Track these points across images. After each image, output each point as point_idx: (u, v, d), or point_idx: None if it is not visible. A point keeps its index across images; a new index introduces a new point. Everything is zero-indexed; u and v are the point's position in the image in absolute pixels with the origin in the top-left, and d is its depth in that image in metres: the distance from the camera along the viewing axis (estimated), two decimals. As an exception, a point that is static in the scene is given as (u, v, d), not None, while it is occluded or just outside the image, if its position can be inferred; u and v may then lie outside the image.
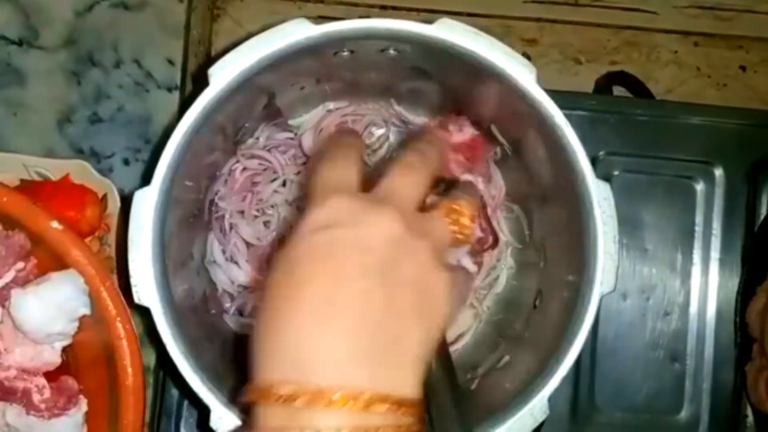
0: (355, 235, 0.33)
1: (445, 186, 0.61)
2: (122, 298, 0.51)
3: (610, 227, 0.47)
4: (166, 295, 0.48)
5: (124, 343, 0.50)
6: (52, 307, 0.50)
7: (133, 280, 0.46)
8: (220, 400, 0.47)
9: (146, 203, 0.46)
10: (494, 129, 0.57)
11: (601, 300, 0.67)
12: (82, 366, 0.55)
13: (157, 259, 0.47)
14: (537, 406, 0.46)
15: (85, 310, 0.52)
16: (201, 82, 0.49)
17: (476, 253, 0.60)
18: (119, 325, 0.50)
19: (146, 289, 0.46)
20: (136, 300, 0.47)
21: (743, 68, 0.85)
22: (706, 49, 0.85)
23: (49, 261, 0.52)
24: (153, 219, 0.46)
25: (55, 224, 0.51)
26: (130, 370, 0.50)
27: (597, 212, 0.47)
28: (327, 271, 0.32)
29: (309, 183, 0.37)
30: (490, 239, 0.60)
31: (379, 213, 0.34)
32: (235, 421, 0.47)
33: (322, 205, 0.35)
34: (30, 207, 0.52)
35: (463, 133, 0.58)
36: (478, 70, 0.49)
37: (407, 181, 0.37)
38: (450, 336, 0.63)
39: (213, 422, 0.47)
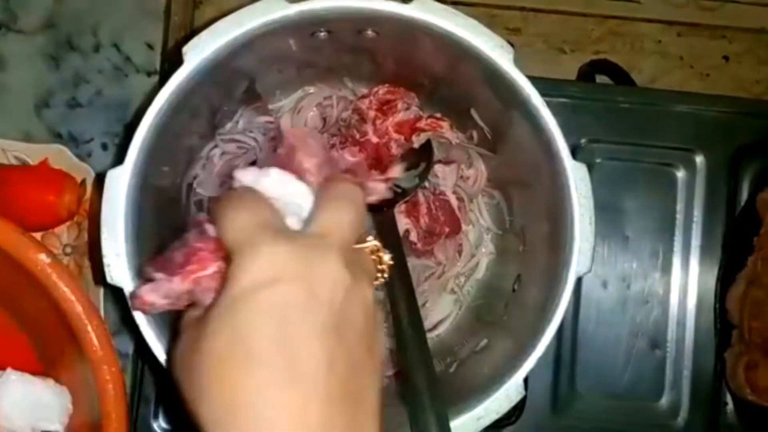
0: (304, 290, 0.30)
1: (425, 165, 0.61)
2: (110, 338, 0.48)
3: (587, 209, 0.47)
4: (140, 276, 0.47)
5: (110, 386, 0.47)
6: (26, 406, 0.49)
7: (105, 260, 0.46)
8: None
9: (119, 182, 0.46)
10: (474, 113, 0.57)
11: (581, 285, 0.68)
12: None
13: (131, 238, 0.47)
14: (512, 387, 0.46)
15: (56, 428, 0.50)
16: (177, 62, 0.49)
17: (430, 241, 0.60)
18: (105, 367, 0.47)
19: (119, 268, 0.46)
20: (108, 280, 0.46)
21: (726, 58, 0.85)
22: (690, 39, 0.85)
23: (34, 294, 0.49)
24: (126, 198, 0.46)
25: (43, 257, 0.48)
26: (114, 415, 0.47)
27: (573, 193, 0.47)
28: (281, 337, 0.29)
29: (221, 230, 0.33)
30: (446, 229, 0.61)
31: (323, 259, 0.31)
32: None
33: (256, 257, 0.31)
34: (19, 237, 0.48)
35: (408, 111, 0.58)
36: (456, 51, 0.49)
37: (344, 218, 0.34)
38: (430, 322, 0.63)
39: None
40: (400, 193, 0.60)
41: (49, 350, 0.55)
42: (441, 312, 0.63)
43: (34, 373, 0.53)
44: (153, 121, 0.46)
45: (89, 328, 0.47)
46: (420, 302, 0.62)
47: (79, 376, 0.50)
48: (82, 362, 0.48)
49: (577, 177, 0.47)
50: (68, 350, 0.50)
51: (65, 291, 0.47)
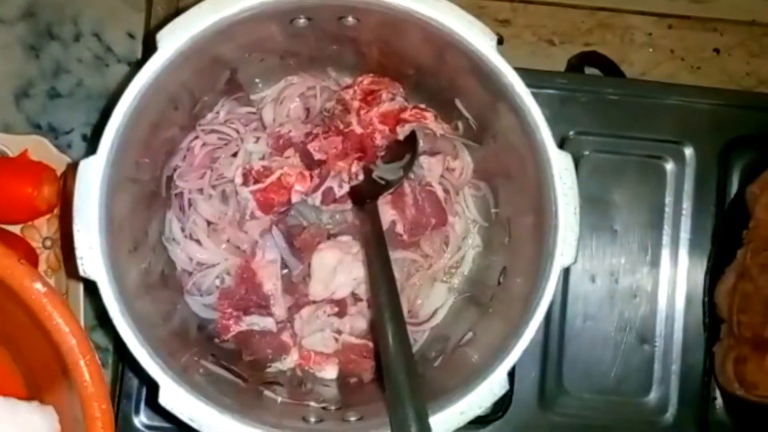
0: None
1: (410, 157, 0.60)
2: (102, 374, 0.46)
3: (571, 198, 0.46)
4: (114, 270, 0.46)
5: (99, 424, 0.45)
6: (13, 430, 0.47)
7: (78, 252, 0.45)
8: (170, 376, 0.46)
9: (92, 172, 0.45)
10: (458, 103, 0.56)
11: (568, 279, 0.67)
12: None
13: (105, 231, 0.46)
14: (496, 381, 0.45)
15: None
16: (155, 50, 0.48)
17: (416, 233, 0.59)
18: (95, 404, 0.45)
19: (92, 261, 0.45)
20: (81, 273, 0.45)
21: (717, 51, 0.84)
22: (681, 32, 0.84)
23: (27, 323, 0.47)
24: (99, 188, 0.45)
25: (38, 285, 0.45)
26: None
27: (558, 183, 0.46)
28: None
29: None
30: (432, 221, 0.60)
31: None
32: (185, 397, 0.46)
33: None
34: (14, 264, 0.46)
35: (393, 102, 0.57)
36: (439, 39, 0.48)
37: None
38: (426, 313, 0.62)
39: (162, 398, 0.46)
40: (384, 185, 0.59)
41: (38, 382, 0.53)
42: (435, 301, 0.62)
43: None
44: (127, 109, 0.45)
45: (81, 362, 0.45)
46: (411, 296, 0.61)
47: (67, 411, 0.48)
48: (71, 397, 0.47)
49: (561, 166, 0.46)
50: (58, 384, 0.48)
51: (59, 323, 0.45)
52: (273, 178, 0.57)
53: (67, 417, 0.49)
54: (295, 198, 0.58)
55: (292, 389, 0.56)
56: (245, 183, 0.58)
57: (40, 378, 0.52)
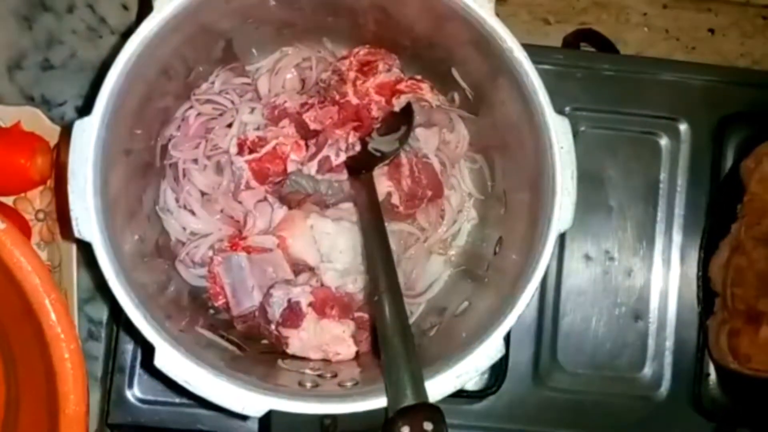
0: None
1: (406, 129, 0.60)
2: (69, 314, 0.44)
3: (568, 162, 0.46)
4: (109, 233, 0.46)
5: (68, 365, 0.43)
6: None
7: (72, 213, 0.44)
8: (166, 339, 0.45)
9: (87, 132, 0.44)
10: (455, 72, 0.56)
11: (562, 253, 0.67)
12: (21, 386, 0.49)
13: (100, 192, 0.45)
14: (492, 345, 0.45)
15: None
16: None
17: (412, 205, 0.59)
18: (63, 345, 0.43)
19: (87, 222, 0.44)
20: (76, 234, 0.45)
21: (712, 31, 0.85)
22: (676, 12, 0.85)
23: None
24: (94, 150, 0.44)
25: None
26: (72, 396, 0.43)
27: (555, 147, 0.46)
28: None
29: None
30: (429, 192, 0.59)
31: None
32: (180, 360, 0.45)
33: None
34: None
35: (390, 73, 0.57)
36: (437, 4, 0.48)
37: None
38: (423, 285, 0.62)
39: (157, 361, 0.45)
40: (379, 157, 0.59)
41: (3, 326, 0.51)
42: (432, 274, 0.62)
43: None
44: (122, 69, 0.45)
45: (47, 301, 0.43)
46: (408, 268, 0.61)
47: (34, 353, 0.46)
48: (38, 339, 0.45)
49: (558, 130, 0.46)
50: (24, 325, 0.46)
51: (21, 260, 0.43)
52: (268, 147, 0.57)
53: (35, 362, 0.46)
54: (290, 167, 0.57)
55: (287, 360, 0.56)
56: (240, 153, 0.58)
57: (6, 321, 0.50)
